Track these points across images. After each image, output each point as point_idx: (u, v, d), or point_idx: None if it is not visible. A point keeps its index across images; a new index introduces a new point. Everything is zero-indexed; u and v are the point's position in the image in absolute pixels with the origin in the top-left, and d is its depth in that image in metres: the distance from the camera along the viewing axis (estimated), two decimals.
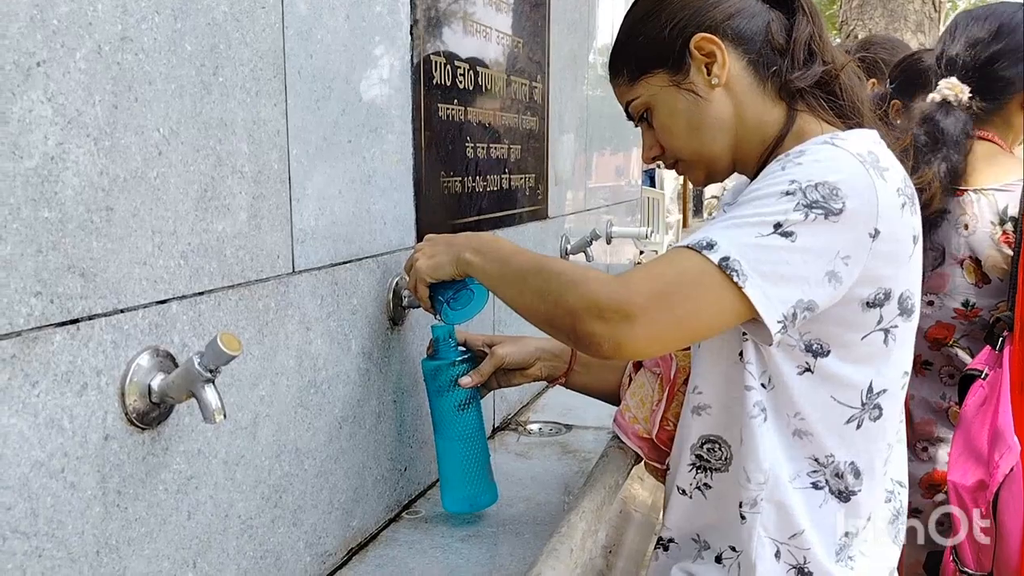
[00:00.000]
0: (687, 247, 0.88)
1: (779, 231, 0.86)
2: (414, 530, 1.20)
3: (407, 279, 1.14)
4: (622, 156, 2.65)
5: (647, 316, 0.85)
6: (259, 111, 0.91)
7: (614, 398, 1.28)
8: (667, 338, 0.88)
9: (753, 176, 1.03)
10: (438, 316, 1.13)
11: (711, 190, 16.60)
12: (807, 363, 0.96)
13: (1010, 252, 1.48)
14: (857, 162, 0.89)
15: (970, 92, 1.54)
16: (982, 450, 1.49)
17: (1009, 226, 1.50)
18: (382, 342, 1.19)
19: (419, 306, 1.15)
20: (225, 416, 0.75)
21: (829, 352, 0.95)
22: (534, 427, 1.66)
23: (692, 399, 1.05)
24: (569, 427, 1.64)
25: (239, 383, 0.89)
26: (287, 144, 0.96)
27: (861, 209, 0.88)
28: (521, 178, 1.69)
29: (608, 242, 2.43)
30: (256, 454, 0.92)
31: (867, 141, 0.94)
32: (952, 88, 1.55)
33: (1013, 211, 1.49)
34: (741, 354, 0.98)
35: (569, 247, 1.99)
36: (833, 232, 0.87)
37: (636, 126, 1.08)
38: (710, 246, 0.86)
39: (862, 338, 0.95)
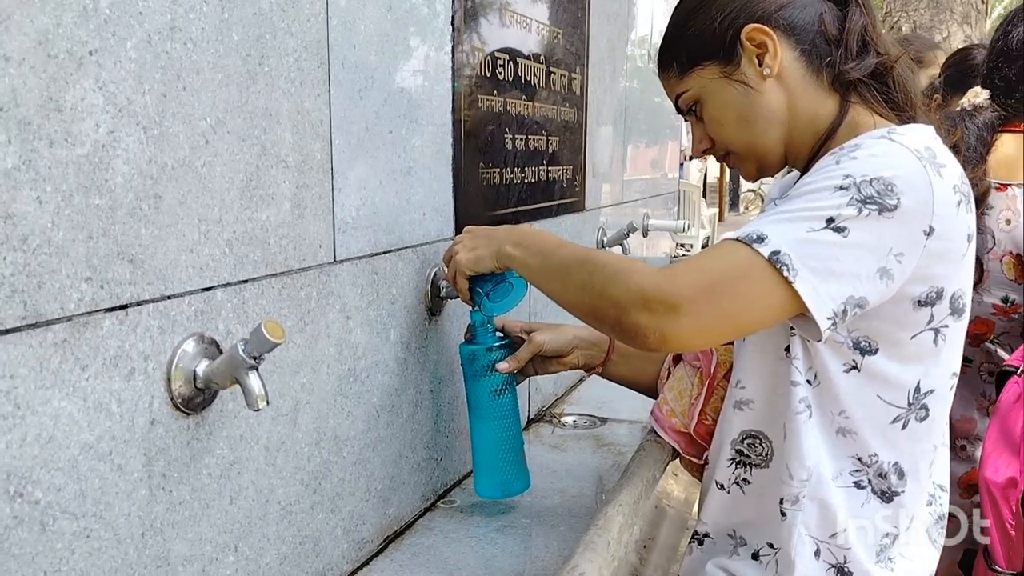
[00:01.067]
0: (736, 240, 0.87)
1: (831, 226, 0.85)
2: (449, 520, 1.21)
3: (445, 270, 1.14)
4: (659, 148, 2.63)
5: (694, 308, 0.84)
6: (303, 101, 0.91)
7: (651, 390, 1.27)
8: (714, 331, 0.87)
9: (804, 169, 1.02)
10: (477, 308, 1.13)
11: (748, 183, 16.44)
12: (854, 361, 0.94)
13: None
14: (914, 158, 0.87)
15: (989, 95, 1.54)
16: (1016, 446, 1.47)
17: None
18: (420, 332, 1.19)
19: (457, 297, 1.15)
20: (268, 403, 0.76)
21: (877, 350, 0.94)
22: (569, 419, 1.65)
23: (734, 394, 1.04)
24: (604, 420, 1.64)
25: (281, 370, 0.90)
26: (330, 134, 0.96)
27: (916, 206, 0.86)
28: (559, 170, 1.68)
29: (644, 235, 2.42)
30: (296, 440, 0.93)
31: (925, 136, 0.92)
32: (972, 95, 1.55)
33: None
34: (787, 349, 0.97)
35: (606, 240, 1.98)
36: (887, 228, 0.85)
37: (685, 119, 1.07)
38: (760, 239, 0.85)
39: (912, 337, 0.93)
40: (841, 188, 0.86)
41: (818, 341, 0.90)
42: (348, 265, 1.01)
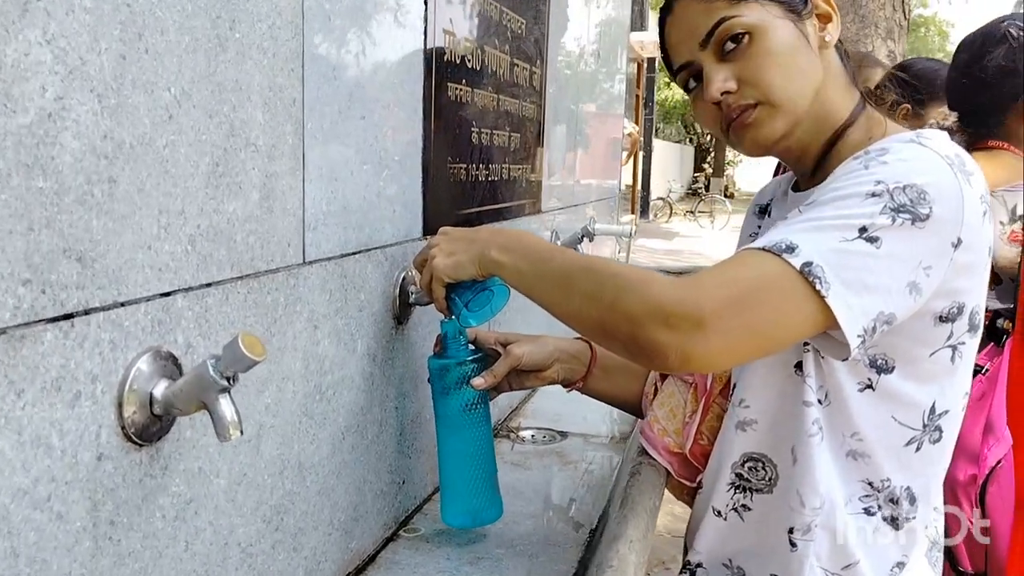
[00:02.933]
0: (762, 249, 0.79)
1: (864, 236, 0.78)
2: (415, 552, 1.09)
3: (416, 275, 1.03)
4: (603, 151, 2.56)
5: (720, 323, 0.76)
6: (275, 76, 0.79)
7: (634, 408, 1.19)
8: (740, 349, 0.79)
9: (813, 169, 0.95)
10: (454, 318, 1.02)
11: (657, 191, 16.73)
12: (869, 379, 0.88)
13: (1019, 249, 1.48)
14: (945, 164, 0.82)
15: (957, 118, 1.55)
16: (975, 445, 1.48)
17: (1018, 225, 1.50)
18: (387, 342, 1.07)
19: (427, 303, 1.04)
20: (242, 432, 0.63)
21: (894, 368, 0.88)
22: (527, 434, 1.55)
23: (737, 413, 0.96)
24: (564, 434, 1.55)
25: (244, 389, 0.77)
26: (302, 116, 0.84)
27: (947, 216, 0.80)
28: (520, 168, 1.58)
29: (591, 240, 2.34)
30: (259, 471, 0.80)
31: (951, 142, 0.87)
32: (940, 116, 1.56)
33: (1022, 210, 1.50)
34: (798, 366, 0.90)
35: (559, 243, 1.89)
36: (918, 239, 0.80)
37: (701, 51, 0.91)
38: (790, 249, 0.77)
39: (930, 355, 0.87)
40: (873, 195, 0.80)
41: (844, 360, 0.84)
42: (318, 267, 0.88)
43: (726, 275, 0.80)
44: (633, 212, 12.40)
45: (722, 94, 0.91)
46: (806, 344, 0.88)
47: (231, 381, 0.62)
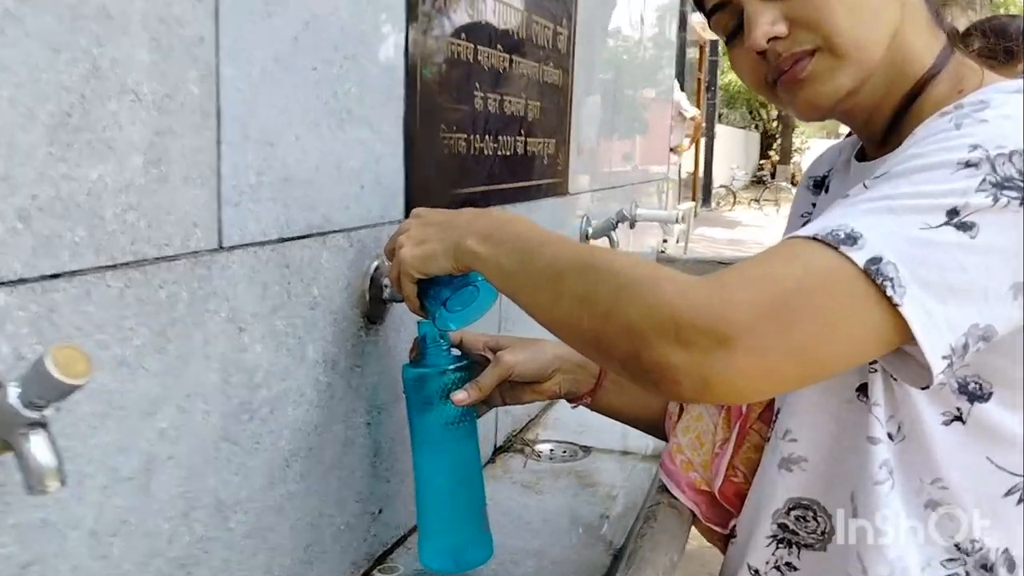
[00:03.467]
0: (814, 239, 0.58)
1: (954, 221, 0.57)
2: None
3: (389, 265, 0.84)
4: (650, 130, 2.33)
5: (752, 340, 0.55)
6: (170, 5, 0.60)
7: (654, 428, 0.99)
8: (779, 375, 0.58)
9: (882, 132, 0.74)
10: (431, 319, 0.83)
11: (719, 178, 16.26)
12: (958, 409, 0.67)
13: None
14: None
15: None
16: None
17: None
18: (353, 347, 0.88)
19: (402, 300, 0.85)
20: (63, 483, 0.45)
21: (990, 395, 0.66)
22: (545, 448, 1.36)
23: (780, 447, 0.75)
24: (587, 450, 1.35)
25: (121, 411, 0.59)
26: (215, 60, 0.65)
27: None
28: (539, 143, 1.38)
29: (632, 226, 2.12)
30: (150, 515, 0.62)
31: None
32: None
33: None
34: (862, 390, 0.69)
35: (591, 230, 1.69)
36: None
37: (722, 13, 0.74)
38: (851, 239, 0.56)
39: None
40: (968, 165, 0.58)
41: (925, 388, 0.62)
42: (242, 254, 0.70)
43: (763, 273, 0.58)
44: (694, 200, 12.03)
45: (769, 41, 0.70)
46: (872, 363, 0.67)
47: (43, 412, 0.44)
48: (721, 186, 16.15)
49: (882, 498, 0.68)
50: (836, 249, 0.56)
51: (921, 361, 0.57)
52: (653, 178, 2.37)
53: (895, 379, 0.67)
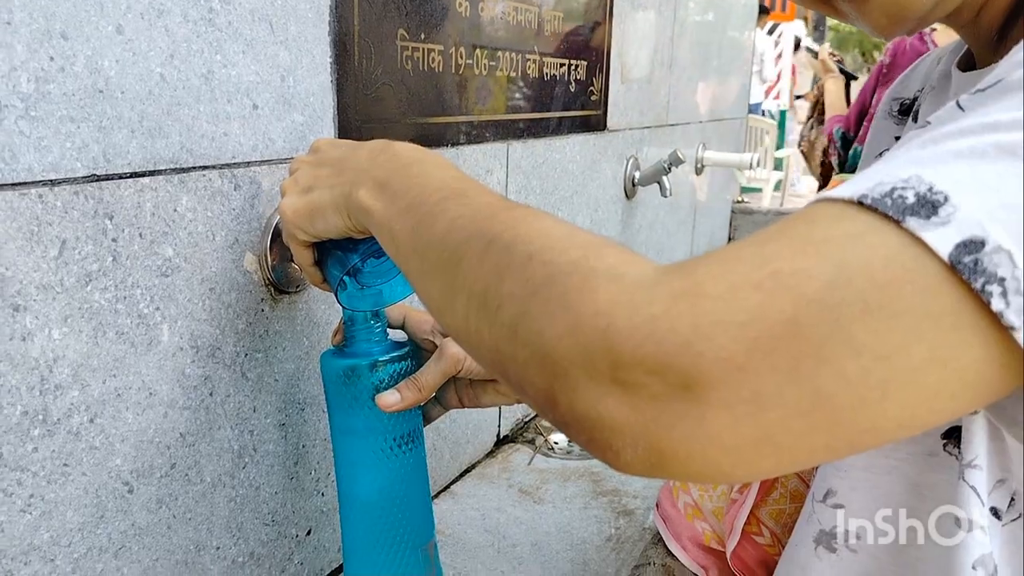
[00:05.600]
0: (858, 203, 0.31)
1: None
2: None
3: None
4: (727, 54, 2.00)
5: (743, 387, 0.29)
6: None
7: None
8: (792, 445, 0.29)
9: (999, 26, 0.46)
10: (335, 295, 0.59)
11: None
12: None
13: None
14: None
15: None
16: None
17: None
18: (248, 325, 0.66)
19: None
20: None
21: None
22: (560, 440, 1.12)
23: (819, 514, 0.48)
24: None
25: None
26: None
27: None
28: (562, 64, 1.11)
29: (698, 172, 1.82)
30: None
31: None
32: None
33: None
34: (951, 437, 0.43)
35: (638, 175, 1.41)
36: None
37: None
38: (928, 205, 0.30)
39: None
40: None
41: None
42: (14, 198, 0.48)
43: (764, 269, 0.30)
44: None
45: None
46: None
47: None
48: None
49: None
50: (899, 224, 0.29)
51: None
52: (729, 115, 2.05)
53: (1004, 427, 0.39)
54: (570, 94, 1.15)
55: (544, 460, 1.06)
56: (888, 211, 0.30)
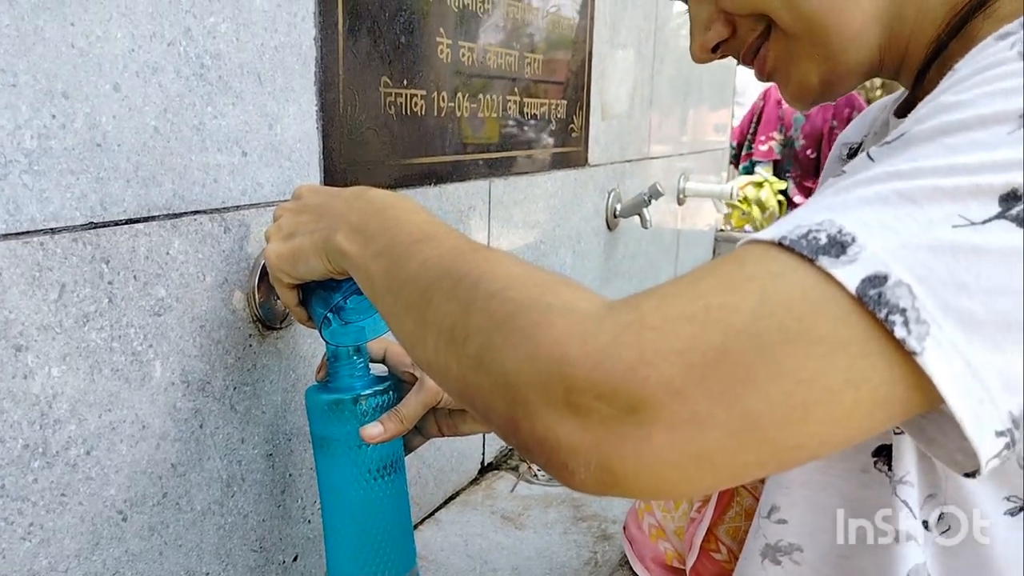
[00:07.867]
0: (778, 244, 0.35)
1: (1013, 212, 0.33)
2: None
3: None
4: (708, 87, 2.06)
5: (684, 408, 0.32)
6: None
7: None
8: (728, 461, 0.33)
9: (912, 81, 0.50)
10: (319, 332, 0.63)
11: None
12: None
13: None
14: None
15: None
16: None
17: None
18: (237, 360, 0.69)
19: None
20: None
21: None
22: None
23: (765, 529, 0.52)
24: None
25: None
26: None
27: None
28: (543, 104, 1.15)
29: (680, 203, 1.87)
30: None
31: None
32: None
33: None
34: (881, 454, 0.46)
35: (619, 208, 1.45)
36: None
37: None
38: (838, 246, 0.34)
39: None
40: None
41: (972, 476, 0.38)
42: (15, 246, 0.51)
43: (698, 303, 0.34)
44: None
45: (714, 49, 0.57)
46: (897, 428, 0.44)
47: None
48: None
49: None
50: (812, 262, 0.33)
51: (962, 436, 0.34)
52: (710, 147, 2.10)
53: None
54: (551, 132, 1.19)
55: (527, 487, 1.09)
56: (804, 251, 0.34)
